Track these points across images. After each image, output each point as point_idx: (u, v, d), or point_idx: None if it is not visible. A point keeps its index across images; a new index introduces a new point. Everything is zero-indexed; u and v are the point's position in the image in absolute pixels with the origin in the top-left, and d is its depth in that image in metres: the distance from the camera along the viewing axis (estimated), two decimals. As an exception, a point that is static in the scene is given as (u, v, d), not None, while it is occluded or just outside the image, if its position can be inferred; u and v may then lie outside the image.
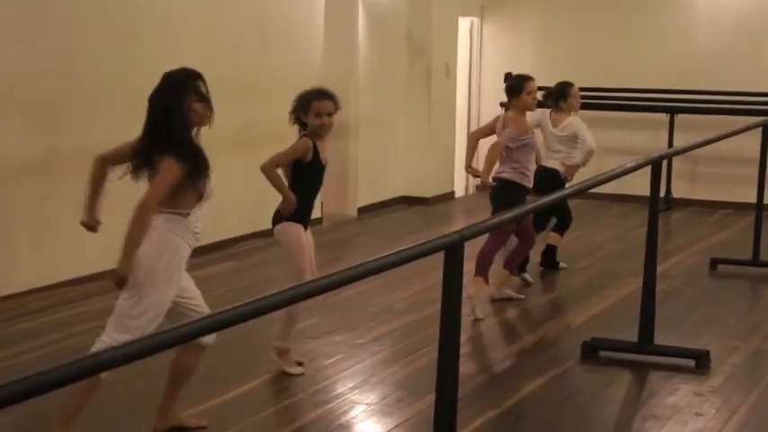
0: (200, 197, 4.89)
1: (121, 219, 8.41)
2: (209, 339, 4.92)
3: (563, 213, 8.77)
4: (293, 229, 5.98)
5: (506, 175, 7.59)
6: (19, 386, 2.19)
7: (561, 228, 8.83)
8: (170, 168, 4.73)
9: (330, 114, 5.92)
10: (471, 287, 7.28)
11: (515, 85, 7.71)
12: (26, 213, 7.65)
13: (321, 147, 5.97)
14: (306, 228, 6.07)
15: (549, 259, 8.89)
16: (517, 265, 8.11)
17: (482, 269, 7.47)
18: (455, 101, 13.17)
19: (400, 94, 12.45)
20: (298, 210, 5.93)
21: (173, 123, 4.76)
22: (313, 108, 5.87)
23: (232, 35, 9.27)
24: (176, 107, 4.75)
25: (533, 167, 7.77)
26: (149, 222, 4.82)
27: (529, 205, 5.69)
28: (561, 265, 8.94)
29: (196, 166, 4.77)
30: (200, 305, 5.04)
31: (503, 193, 7.53)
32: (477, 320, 7.26)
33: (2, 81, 7.48)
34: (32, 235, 7.78)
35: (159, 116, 4.81)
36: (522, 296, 8.05)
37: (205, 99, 4.80)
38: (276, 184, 5.89)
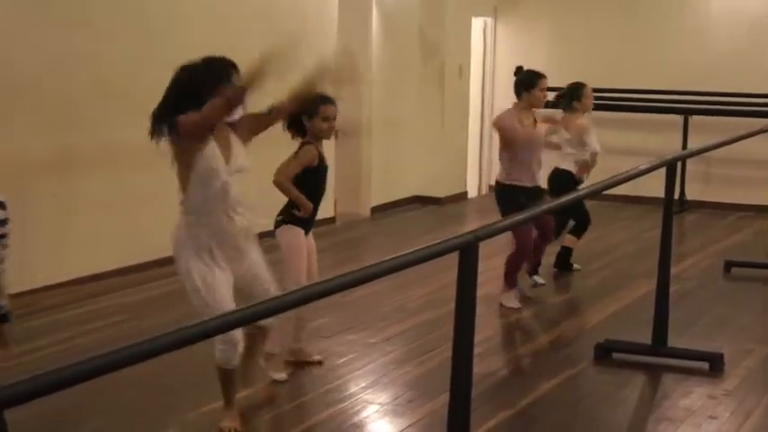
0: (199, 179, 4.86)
1: (136, 217, 8.45)
2: (267, 322, 5.06)
3: (581, 215, 8.74)
4: (294, 233, 5.95)
5: (500, 178, 7.81)
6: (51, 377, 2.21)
7: (579, 230, 8.80)
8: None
9: (335, 118, 5.98)
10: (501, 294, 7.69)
11: (527, 79, 7.72)
12: (40, 210, 7.66)
13: (321, 149, 5.98)
14: (308, 232, 6.04)
15: (564, 261, 8.87)
16: (529, 268, 8.22)
17: (511, 280, 7.71)
18: (468, 101, 13.15)
19: (413, 94, 12.44)
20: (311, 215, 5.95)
21: (189, 103, 4.76)
22: (321, 112, 5.88)
23: (244, 34, 9.26)
24: (205, 92, 4.78)
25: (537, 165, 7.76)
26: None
27: (543, 206, 5.67)
28: (575, 266, 8.92)
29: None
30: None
31: (502, 197, 7.73)
32: (516, 310, 7.60)
33: (16, 79, 7.49)
34: (46, 232, 7.79)
35: (181, 90, 4.84)
36: (543, 282, 8.35)
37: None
38: (293, 195, 5.90)
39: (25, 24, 7.54)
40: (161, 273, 8.49)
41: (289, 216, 5.95)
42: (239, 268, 5.01)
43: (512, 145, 7.63)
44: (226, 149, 4.90)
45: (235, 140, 4.96)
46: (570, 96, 8.75)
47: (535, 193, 7.58)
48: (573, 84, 8.85)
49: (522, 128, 7.61)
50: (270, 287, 5.06)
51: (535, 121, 7.74)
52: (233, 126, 4.97)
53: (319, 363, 6.23)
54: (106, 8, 8.20)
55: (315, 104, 5.78)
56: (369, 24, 11.44)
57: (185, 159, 4.86)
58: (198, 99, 4.76)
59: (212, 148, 4.83)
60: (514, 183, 7.64)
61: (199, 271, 4.90)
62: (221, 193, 4.88)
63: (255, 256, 5.10)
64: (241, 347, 5.00)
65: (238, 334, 4.97)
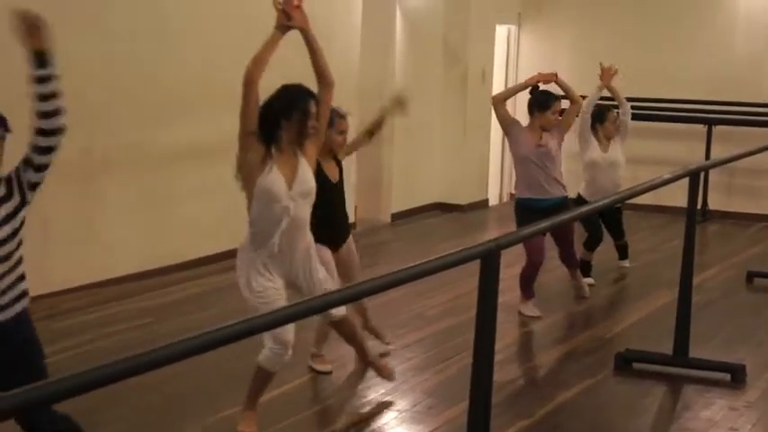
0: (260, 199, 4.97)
1: (157, 221, 8.47)
2: (337, 312, 5.28)
3: (592, 229, 8.72)
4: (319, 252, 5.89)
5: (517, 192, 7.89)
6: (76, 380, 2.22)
7: (588, 243, 8.75)
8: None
9: (346, 132, 6.09)
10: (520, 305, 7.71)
11: (542, 100, 7.72)
12: (61, 213, 7.68)
13: (324, 166, 5.93)
14: (337, 249, 6.11)
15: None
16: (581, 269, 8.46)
17: (526, 291, 7.71)
18: (491, 108, 13.10)
19: (436, 101, 12.43)
20: (321, 230, 5.66)
21: (268, 119, 4.91)
22: (337, 125, 5.93)
23: (264, 38, 9.26)
24: (281, 117, 4.91)
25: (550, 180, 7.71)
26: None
27: (555, 219, 5.43)
28: (589, 281, 8.77)
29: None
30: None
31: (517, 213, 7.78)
32: (537, 318, 7.61)
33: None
34: (68, 235, 7.82)
35: (263, 112, 4.92)
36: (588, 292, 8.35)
37: (310, 117, 4.95)
38: None
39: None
40: (182, 277, 8.53)
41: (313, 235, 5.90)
42: (298, 289, 5.12)
43: (507, 134, 7.77)
44: (290, 173, 4.93)
45: (302, 164, 4.99)
46: (595, 118, 8.70)
47: (554, 207, 7.47)
48: (599, 106, 8.78)
49: (531, 138, 7.63)
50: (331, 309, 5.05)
51: (541, 137, 7.71)
52: (302, 150, 5.01)
53: (329, 373, 6.23)
54: (124, 9, 8.22)
55: (331, 119, 5.71)
56: (392, 30, 11.45)
57: (249, 177, 4.94)
58: (270, 123, 4.91)
59: (274, 172, 4.89)
60: (525, 197, 7.67)
61: (258, 287, 4.97)
62: (280, 216, 4.92)
63: (318, 277, 5.16)
64: (290, 354, 5.04)
65: (291, 337, 5.01)
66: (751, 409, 5.74)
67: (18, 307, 3.92)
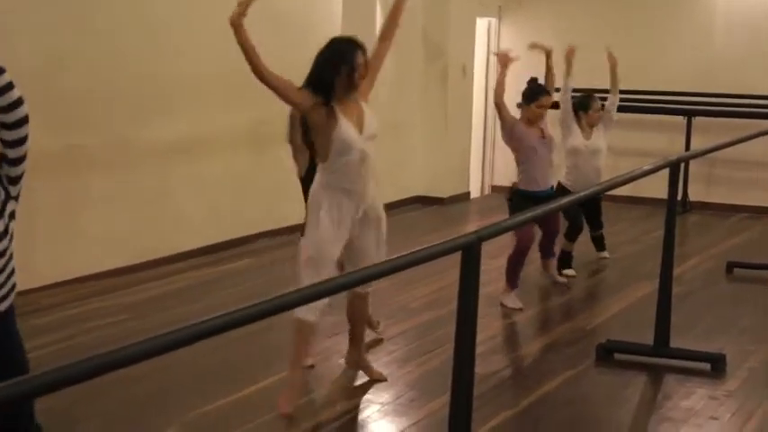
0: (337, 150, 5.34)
1: (138, 217, 8.46)
2: (363, 289, 5.67)
3: (572, 219, 8.76)
4: None
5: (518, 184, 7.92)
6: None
7: (569, 234, 8.79)
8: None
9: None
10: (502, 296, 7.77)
11: (529, 93, 7.84)
12: (44, 209, 7.66)
13: None
14: None
15: (562, 264, 8.84)
16: (551, 267, 8.52)
17: (511, 280, 7.76)
18: (472, 101, 13.14)
19: (417, 95, 12.44)
20: None
21: (322, 79, 5.30)
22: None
23: (249, 32, 9.25)
24: (332, 68, 5.28)
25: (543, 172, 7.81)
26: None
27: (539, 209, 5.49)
28: (570, 272, 8.83)
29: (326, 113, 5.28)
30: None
31: (513, 202, 7.84)
32: (516, 310, 7.64)
33: (22, 77, 7.45)
34: (50, 231, 7.80)
35: (314, 72, 5.34)
36: (565, 280, 8.48)
37: (358, 69, 5.33)
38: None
39: (30, 23, 7.55)
40: (163, 272, 8.52)
41: None
42: (355, 236, 5.51)
43: (511, 132, 7.75)
44: (359, 119, 5.40)
45: (366, 109, 5.46)
46: (578, 106, 8.76)
47: (549, 197, 7.50)
48: (584, 95, 8.85)
49: (532, 132, 7.73)
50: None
51: (542, 130, 7.80)
52: (358, 94, 5.44)
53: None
54: (108, 4, 8.20)
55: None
56: (373, 23, 11.44)
57: (324, 132, 5.32)
58: (321, 76, 5.31)
59: (345, 123, 5.31)
60: (531, 189, 7.74)
61: (322, 226, 5.37)
62: (359, 160, 5.40)
63: (372, 231, 5.58)
64: (324, 303, 5.32)
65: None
66: (731, 399, 5.78)
67: (7, 302, 3.93)
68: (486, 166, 13.68)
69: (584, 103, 8.80)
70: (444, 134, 12.56)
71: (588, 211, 9.03)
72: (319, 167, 5.48)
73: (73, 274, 7.97)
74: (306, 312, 5.36)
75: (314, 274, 5.18)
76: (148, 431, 5.23)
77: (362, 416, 5.48)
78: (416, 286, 8.02)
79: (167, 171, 8.79)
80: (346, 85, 5.33)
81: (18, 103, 3.81)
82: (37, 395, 2.28)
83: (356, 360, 6.03)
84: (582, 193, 5.93)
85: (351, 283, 3.57)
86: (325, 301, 5.21)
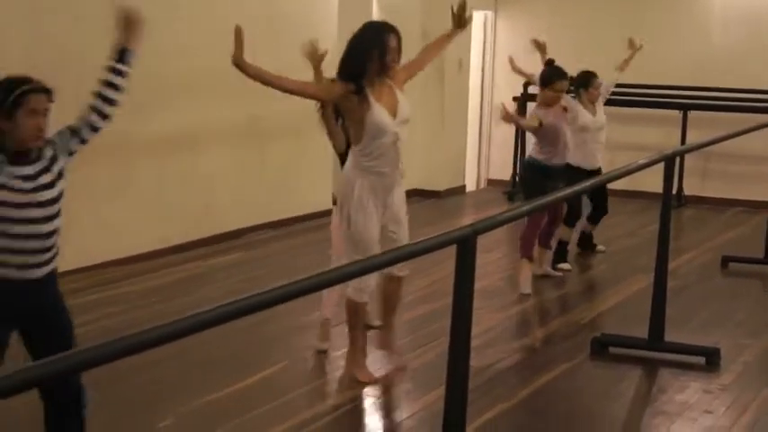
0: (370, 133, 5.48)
1: (151, 203, 8.45)
2: (400, 271, 5.80)
3: (573, 203, 8.84)
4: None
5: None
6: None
7: (567, 219, 8.83)
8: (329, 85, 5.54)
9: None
10: (517, 269, 8.07)
11: (546, 76, 8.13)
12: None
13: None
14: None
15: (559, 256, 8.88)
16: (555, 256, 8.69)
17: (525, 250, 7.99)
18: (468, 95, 13.15)
19: (413, 88, 12.37)
20: None
21: (353, 63, 5.49)
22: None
23: (245, 28, 9.24)
24: (363, 53, 5.47)
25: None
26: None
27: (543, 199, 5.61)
28: (565, 266, 8.88)
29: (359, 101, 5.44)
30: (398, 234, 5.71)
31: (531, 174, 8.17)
32: (524, 295, 7.83)
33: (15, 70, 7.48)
34: (68, 218, 7.79)
35: (347, 56, 5.54)
36: (560, 274, 8.51)
37: (390, 52, 5.51)
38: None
39: (19, 18, 7.55)
40: (155, 265, 8.52)
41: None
42: (384, 217, 5.65)
43: (542, 126, 7.99)
44: (392, 104, 5.54)
45: (399, 94, 5.60)
46: (579, 83, 8.87)
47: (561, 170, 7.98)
48: (585, 72, 8.99)
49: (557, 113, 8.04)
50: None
51: (564, 108, 8.16)
52: (393, 80, 5.60)
53: (379, 327, 6.44)
54: (107, 2, 8.19)
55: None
56: (369, 19, 11.43)
57: (357, 117, 5.48)
58: (354, 59, 5.51)
59: (378, 107, 5.46)
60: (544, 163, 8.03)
61: (358, 207, 5.53)
62: (392, 143, 5.52)
63: (400, 213, 5.75)
64: (374, 283, 5.73)
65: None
66: (725, 392, 5.80)
67: (53, 265, 4.12)
68: (482, 159, 13.68)
69: (585, 79, 8.92)
70: (441, 128, 12.57)
71: (596, 196, 9.13)
72: (353, 150, 5.63)
73: (94, 260, 8.15)
74: (358, 294, 5.64)
75: (357, 254, 5.35)
76: (151, 421, 5.23)
77: (358, 408, 5.49)
78: (412, 279, 7.98)
79: (157, 165, 8.79)
80: (378, 69, 5.47)
81: (118, 102, 4.43)
82: (33, 386, 2.29)
83: (388, 343, 6.17)
84: (583, 185, 5.98)
85: (349, 275, 3.55)
86: (373, 283, 5.62)
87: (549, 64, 8.39)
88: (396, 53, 5.52)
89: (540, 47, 9.00)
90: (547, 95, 7.97)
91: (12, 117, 3.94)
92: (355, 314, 5.76)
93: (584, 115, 8.84)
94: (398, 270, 5.80)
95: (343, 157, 6.01)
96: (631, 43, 9.35)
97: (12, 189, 3.92)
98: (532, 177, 8.03)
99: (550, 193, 5.41)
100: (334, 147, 6.23)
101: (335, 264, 5.84)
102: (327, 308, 6.32)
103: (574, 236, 9.02)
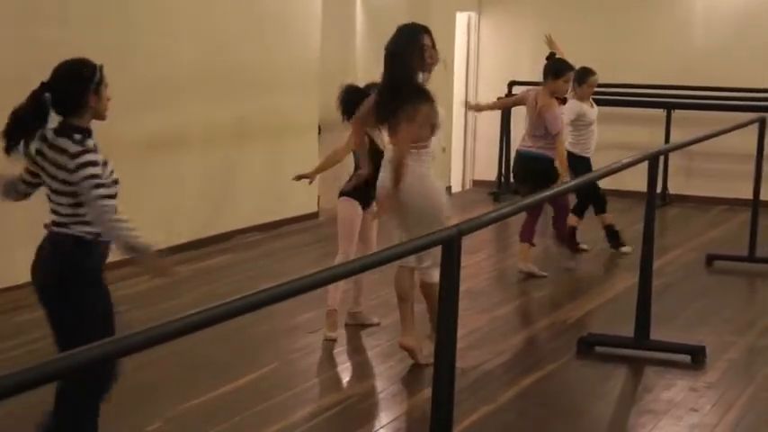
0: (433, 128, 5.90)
1: (136, 207, 8.40)
2: (415, 263, 5.98)
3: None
4: (347, 204, 6.63)
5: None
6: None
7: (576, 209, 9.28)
8: (417, 113, 5.80)
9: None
10: (518, 257, 8.45)
11: (556, 68, 8.38)
12: (22, 207, 7.63)
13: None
14: (366, 206, 6.67)
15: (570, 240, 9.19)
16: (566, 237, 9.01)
17: (526, 236, 8.32)
18: (452, 95, 13.16)
19: (398, 89, 12.42)
20: (360, 188, 6.53)
21: (403, 68, 5.79)
22: None
23: (229, 29, 9.28)
24: (406, 55, 5.79)
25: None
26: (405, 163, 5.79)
27: (530, 199, 5.76)
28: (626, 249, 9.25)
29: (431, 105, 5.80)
30: None
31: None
32: (543, 277, 8.28)
33: (5, 74, 7.48)
34: (29, 228, 7.76)
35: (393, 61, 5.83)
36: (545, 274, 8.51)
37: (427, 50, 5.89)
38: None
39: (9, 20, 7.54)
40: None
41: (347, 188, 6.62)
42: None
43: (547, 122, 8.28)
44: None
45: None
46: (577, 79, 8.93)
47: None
48: (583, 68, 9.08)
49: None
50: None
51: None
52: None
53: (377, 324, 6.74)
54: (91, 2, 8.19)
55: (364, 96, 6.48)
56: (353, 17, 11.45)
57: (430, 122, 5.88)
58: (402, 64, 5.86)
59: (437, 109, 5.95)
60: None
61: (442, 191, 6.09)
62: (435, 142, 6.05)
63: None
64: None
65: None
66: (711, 390, 5.83)
67: (77, 230, 4.50)
68: (468, 161, 13.70)
69: (584, 75, 9.03)
70: (425, 129, 12.57)
71: (582, 189, 9.30)
72: (417, 153, 5.88)
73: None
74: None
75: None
76: (139, 423, 5.23)
77: (345, 410, 5.49)
78: (398, 281, 8.03)
79: (148, 167, 8.78)
80: (422, 67, 5.85)
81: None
82: (22, 391, 2.28)
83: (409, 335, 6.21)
84: (568, 185, 6.04)
85: (350, 271, 3.57)
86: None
87: (552, 57, 8.61)
88: (432, 52, 5.93)
89: (552, 43, 9.08)
90: (559, 86, 8.28)
91: (98, 93, 4.37)
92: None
93: (584, 108, 9.17)
94: (431, 277, 5.98)
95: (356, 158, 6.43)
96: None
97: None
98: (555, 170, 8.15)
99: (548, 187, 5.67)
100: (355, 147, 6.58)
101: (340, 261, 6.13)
102: (333, 299, 6.57)
103: (610, 216, 9.46)
